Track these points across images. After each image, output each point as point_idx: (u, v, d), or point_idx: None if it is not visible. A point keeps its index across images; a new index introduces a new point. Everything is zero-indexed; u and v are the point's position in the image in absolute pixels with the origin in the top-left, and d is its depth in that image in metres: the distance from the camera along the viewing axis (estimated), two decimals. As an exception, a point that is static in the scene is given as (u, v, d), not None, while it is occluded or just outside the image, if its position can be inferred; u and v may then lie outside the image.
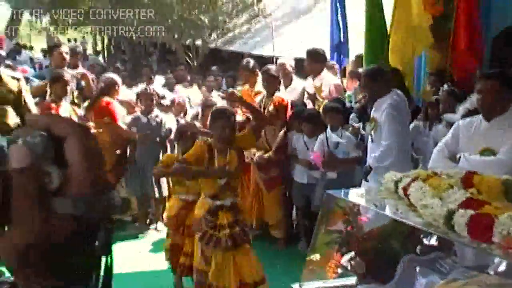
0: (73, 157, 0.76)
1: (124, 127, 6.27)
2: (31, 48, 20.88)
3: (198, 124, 5.35)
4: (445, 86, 4.76)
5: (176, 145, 6.33)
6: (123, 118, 6.39)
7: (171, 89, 8.98)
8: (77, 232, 0.75)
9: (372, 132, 4.47)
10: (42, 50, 19.30)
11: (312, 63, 6.25)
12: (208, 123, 4.04)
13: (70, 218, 0.73)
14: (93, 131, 6.09)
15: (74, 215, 0.74)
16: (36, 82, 6.02)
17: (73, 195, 0.75)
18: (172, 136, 6.38)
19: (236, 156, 3.80)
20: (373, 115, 4.49)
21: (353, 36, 6.98)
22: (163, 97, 6.97)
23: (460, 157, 3.40)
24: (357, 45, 6.55)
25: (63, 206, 0.73)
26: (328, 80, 6.25)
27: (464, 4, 5.06)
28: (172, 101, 7.14)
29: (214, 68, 11.34)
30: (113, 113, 6.20)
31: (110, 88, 6.31)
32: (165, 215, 4.97)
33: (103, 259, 0.83)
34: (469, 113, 3.82)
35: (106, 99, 6.23)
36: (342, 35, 7.17)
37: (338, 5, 7.22)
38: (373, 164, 4.38)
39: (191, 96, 8.30)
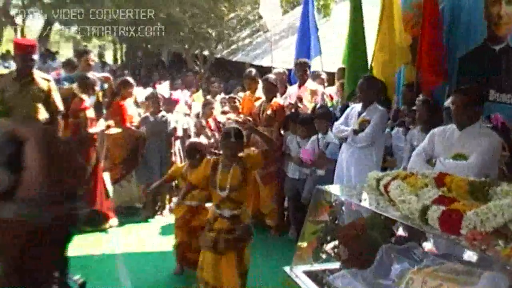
0: (29, 161, 0.68)
1: (131, 127, 6.25)
2: (57, 53, 20.79)
3: (205, 141, 5.21)
4: (421, 96, 4.76)
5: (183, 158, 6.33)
6: (132, 118, 6.33)
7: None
8: (25, 237, 0.66)
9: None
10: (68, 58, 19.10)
11: (302, 72, 6.25)
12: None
13: (20, 222, 0.65)
14: (113, 130, 6.05)
15: (25, 220, 0.66)
16: (66, 85, 6.03)
17: (24, 199, 0.66)
18: (178, 133, 6.38)
19: (239, 171, 3.63)
20: (367, 118, 4.59)
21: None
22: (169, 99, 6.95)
23: (435, 161, 3.41)
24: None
25: (7, 210, 0.65)
26: (313, 86, 6.25)
27: (427, 28, 5.07)
28: (176, 101, 7.07)
29: (217, 76, 11.31)
30: (123, 114, 6.21)
31: (123, 89, 6.31)
32: (172, 215, 4.89)
33: (57, 270, 0.73)
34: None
35: (120, 100, 6.24)
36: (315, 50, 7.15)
37: (309, 23, 7.17)
38: (350, 139, 4.60)
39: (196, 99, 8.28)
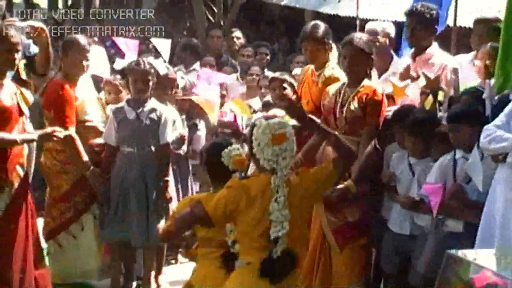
0: None
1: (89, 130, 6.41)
2: None
3: None
4: None
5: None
6: (84, 112, 6.46)
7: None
8: None
9: None
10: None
11: (417, 29, 6.32)
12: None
13: None
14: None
15: None
16: None
17: None
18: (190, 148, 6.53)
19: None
20: None
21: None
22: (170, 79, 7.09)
23: None
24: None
25: None
26: (440, 59, 6.26)
27: None
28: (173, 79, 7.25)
29: (250, 34, 11.38)
30: (68, 105, 6.25)
31: (70, 57, 6.41)
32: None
33: None
34: None
35: (63, 79, 6.35)
36: None
37: None
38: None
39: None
